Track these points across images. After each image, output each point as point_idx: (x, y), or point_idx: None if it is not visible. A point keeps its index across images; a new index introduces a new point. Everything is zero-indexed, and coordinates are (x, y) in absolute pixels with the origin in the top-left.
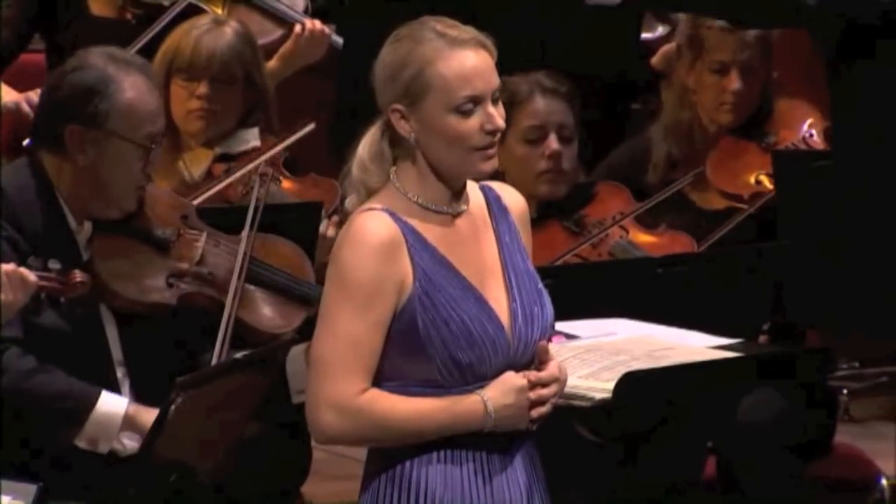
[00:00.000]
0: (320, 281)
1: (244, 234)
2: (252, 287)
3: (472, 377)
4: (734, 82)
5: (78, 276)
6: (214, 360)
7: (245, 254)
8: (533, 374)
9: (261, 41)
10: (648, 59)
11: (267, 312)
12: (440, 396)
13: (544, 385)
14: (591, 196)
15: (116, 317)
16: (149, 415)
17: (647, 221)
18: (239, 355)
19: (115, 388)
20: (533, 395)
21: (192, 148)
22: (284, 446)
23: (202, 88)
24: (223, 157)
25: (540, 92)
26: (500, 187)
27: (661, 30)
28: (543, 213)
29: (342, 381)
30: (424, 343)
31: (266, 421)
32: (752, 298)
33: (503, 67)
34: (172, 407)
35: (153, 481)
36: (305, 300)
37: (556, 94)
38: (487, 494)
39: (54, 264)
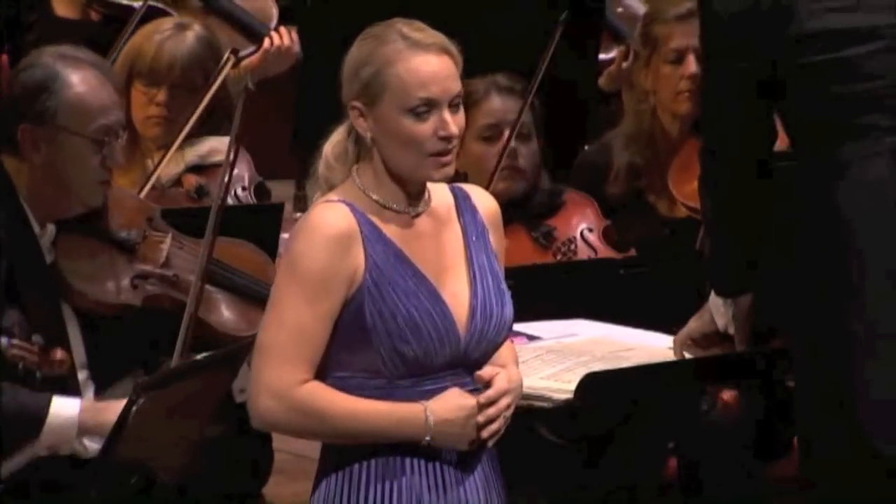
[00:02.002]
0: None
1: (206, 237)
2: (214, 289)
3: (418, 370)
4: (690, 66)
5: (59, 354)
6: (175, 362)
7: (205, 256)
8: (483, 396)
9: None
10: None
11: (229, 315)
12: (386, 388)
13: (493, 403)
14: (559, 205)
15: (80, 319)
16: (105, 413)
17: (614, 241)
18: (200, 356)
19: (76, 392)
20: (481, 417)
21: (154, 151)
22: (246, 447)
23: (161, 95)
24: (195, 168)
25: (496, 91)
26: (471, 189)
27: (614, 52)
28: (509, 215)
29: (284, 368)
30: (370, 334)
31: (227, 422)
32: None
33: (470, 70)
34: (133, 408)
35: (114, 483)
36: None
37: (512, 92)
38: (442, 496)
39: (38, 339)
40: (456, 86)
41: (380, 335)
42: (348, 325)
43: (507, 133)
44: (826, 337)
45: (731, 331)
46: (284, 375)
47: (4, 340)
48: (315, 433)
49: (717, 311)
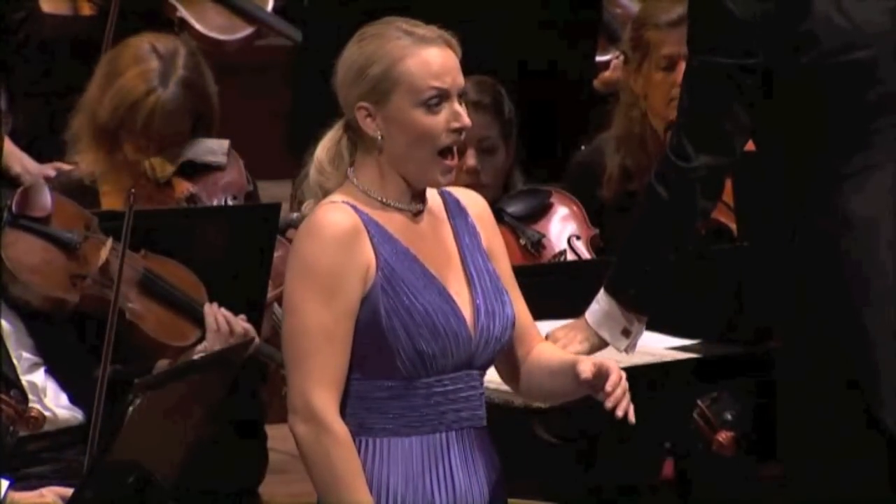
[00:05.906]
0: None
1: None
2: (152, 300)
3: (433, 369)
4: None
5: (34, 411)
6: (102, 364)
7: (125, 239)
8: (610, 383)
9: (229, 37)
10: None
11: (163, 324)
12: (402, 390)
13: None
14: (545, 207)
15: (22, 313)
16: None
17: (601, 250)
18: (197, 357)
19: (15, 382)
20: (611, 402)
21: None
22: (242, 447)
23: (153, 149)
24: (189, 166)
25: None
26: (458, 191)
27: (610, 55)
28: (496, 216)
29: (321, 387)
30: (387, 333)
31: (223, 422)
32: (710, 300)
33: (467, 68)
34: (131, 408)
35: (110, 483)
36: (200, 320)
37: (478, 106)
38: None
39: (16, 393)
40: (461, 78)
41: (397, 333)
42: (365, 325)
43: (471, 149)
44: (832, 336)
45: (630, 353)
46: (322, 395)
47: None
48: (317, 470)
49: (614, 333)
